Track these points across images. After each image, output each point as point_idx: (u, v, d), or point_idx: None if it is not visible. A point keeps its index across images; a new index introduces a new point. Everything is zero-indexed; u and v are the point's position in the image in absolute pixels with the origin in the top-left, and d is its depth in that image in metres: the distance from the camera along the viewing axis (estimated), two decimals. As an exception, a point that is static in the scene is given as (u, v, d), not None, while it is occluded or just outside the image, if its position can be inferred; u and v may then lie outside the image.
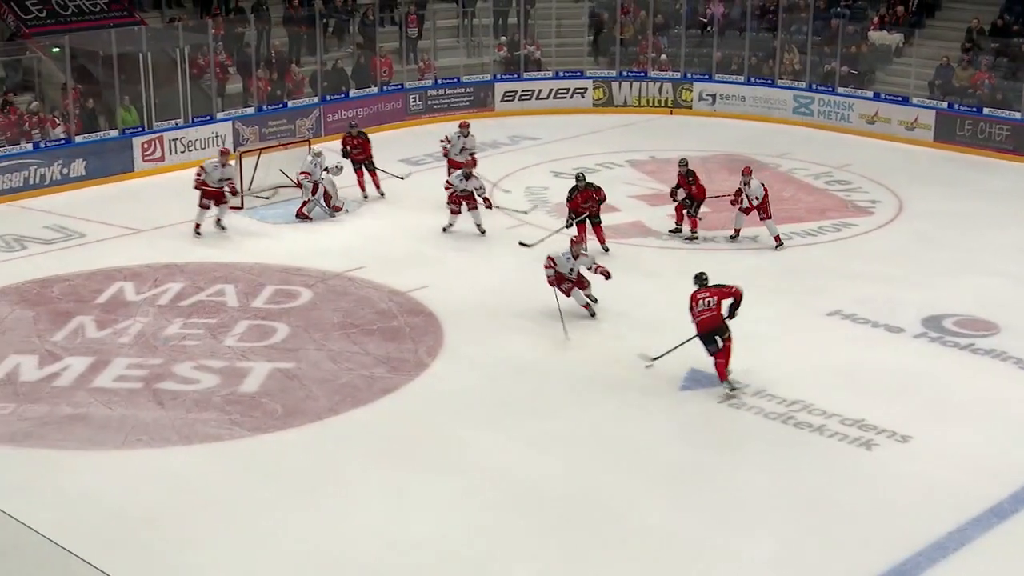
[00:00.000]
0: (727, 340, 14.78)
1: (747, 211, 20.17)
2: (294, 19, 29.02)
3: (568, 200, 19.87)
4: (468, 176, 20.55)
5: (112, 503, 12.33)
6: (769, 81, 29.68)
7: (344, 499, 12.50)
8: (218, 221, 20.61)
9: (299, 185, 21.51)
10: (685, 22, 30.83)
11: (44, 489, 12.54)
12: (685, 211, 20.72)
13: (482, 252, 19.84)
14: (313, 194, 21.33)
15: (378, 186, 22.77)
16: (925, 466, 13.25)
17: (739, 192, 20.16)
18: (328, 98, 27.73)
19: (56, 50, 24.73)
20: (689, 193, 20.64)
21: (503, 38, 31.17)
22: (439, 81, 29.69)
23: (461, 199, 20.53)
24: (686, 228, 20.71)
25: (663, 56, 30.71)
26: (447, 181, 20.76)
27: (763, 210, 20.06)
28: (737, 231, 20.44)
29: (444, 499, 12.52)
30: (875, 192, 23.53)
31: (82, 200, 22.63)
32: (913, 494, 12.69)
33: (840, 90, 28.71)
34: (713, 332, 14.71)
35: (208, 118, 25.72)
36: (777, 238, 20.08)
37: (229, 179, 20.39)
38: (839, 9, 30.14)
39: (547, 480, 12.83)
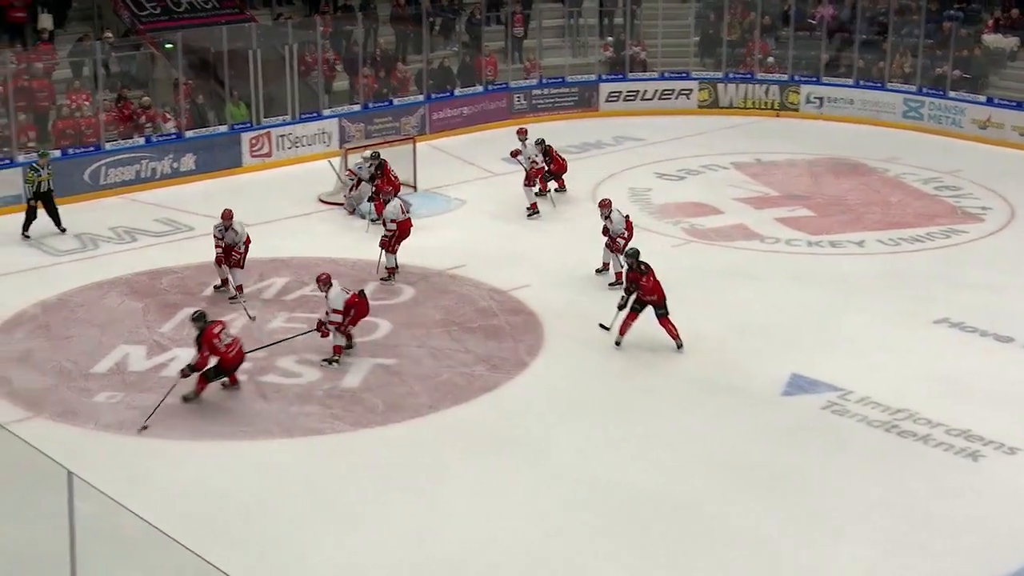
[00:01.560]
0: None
1: (612, 247, 18.37)
2: (401, 17, 29.26)
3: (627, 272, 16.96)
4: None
5: (215, 493, 12.53)
6: (879, 84, 29.25)
7: (442, 496, 12.57)
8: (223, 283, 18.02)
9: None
10: (793, 23, 30.49)
11: (149, 477, 12.78)
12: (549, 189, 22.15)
13: (584, 253, 19.79)
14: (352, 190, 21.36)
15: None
16: (1034, 479, 13.00)
17: (605, 229, 18.46)
18: (433, 96, 27.89)
19: (169, 46, 25.18)
20: (549, 169, 22.08)
21: (609, 38, 31.12)
22: (544, 80, 29.71)
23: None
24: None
25: (770, 58, 30.43)
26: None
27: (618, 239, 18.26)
28: (605, 265, 18.69)
29: (540, 499, 12.54)
30: (986, 198, 23.09)
31: (191, 194, 23.02)
32: (1019, 509, 12.43)
33: (952, 94, 28.20)
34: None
35: (315, 115, 26.02)
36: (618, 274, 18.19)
37: (235, 244, 17.71)
38: (952, 12, 29.61)
39: (644, 483, 12.77)
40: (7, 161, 21.73)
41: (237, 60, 25.07)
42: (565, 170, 22.72)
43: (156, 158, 23.63)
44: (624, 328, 15.94)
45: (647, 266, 15.93)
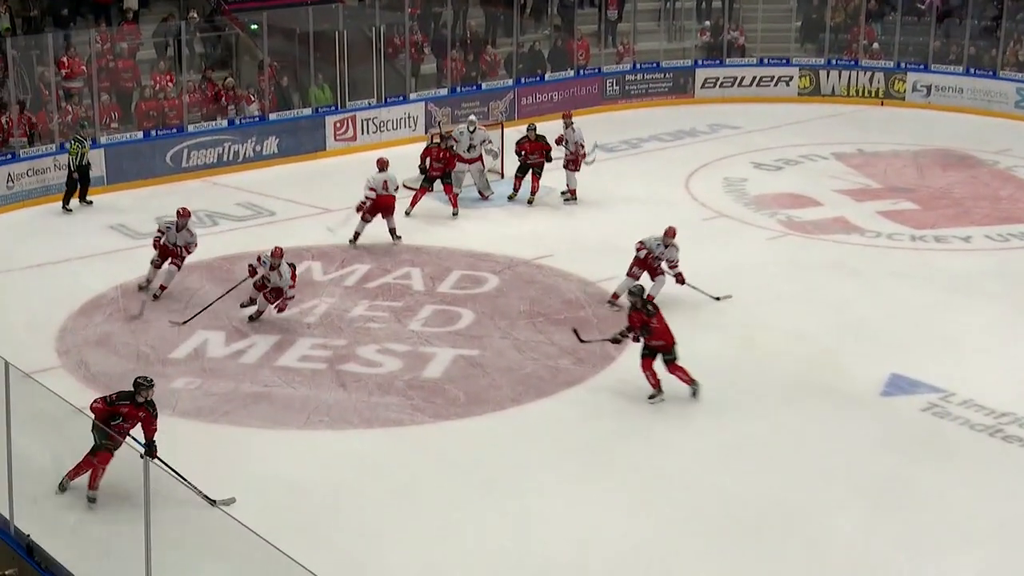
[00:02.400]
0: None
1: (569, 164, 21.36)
2: (491, 0, 29.29)
3: (516, 144, 21.52)
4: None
5: (293, 483, 12.63)
6: (991, 72, 28.72)
7: (526, 495, 12.56)
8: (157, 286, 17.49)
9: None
10: (901, 8, 30.02)
11: (226, 465, 12.92)
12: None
13: (680, 245, 19.66)
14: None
15: (455, 204, 21.10)
16: None
17: (560, 138, 21.30)
18: (523, 81, 27.91)
19: (254, 27, 25.41)
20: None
21: (706, 22, 30.89)
22: (637, 66, 29.58)
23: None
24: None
25: (875, 44, 30.02)
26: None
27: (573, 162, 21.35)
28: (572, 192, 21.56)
29: (624, 498, 12.50)
30: (1102, 193, 22.65)
31: (273, 178, 23.27)
32: None
33: (1069, 83, 27.70)
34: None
35: (401, 98, 26.16)
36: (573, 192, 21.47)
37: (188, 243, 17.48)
38: (1071, -5, 29.05)
39: (734, 484, 12.66)
40: (92, 142, 22.09)
41: (323, 42, 25.28)
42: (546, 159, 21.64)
43: (239, 141, 23.91)
44: (653, 382, 14.46)
45: (655, 307, 14.63)
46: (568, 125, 21.69)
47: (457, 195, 21.13)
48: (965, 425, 13.98)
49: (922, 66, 29.45)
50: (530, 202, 21.50)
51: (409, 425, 13.97)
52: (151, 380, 12.12)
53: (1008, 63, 28.68)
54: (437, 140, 21.48)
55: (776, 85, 30.01)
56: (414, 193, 20.99)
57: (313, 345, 15.86)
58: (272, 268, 16.07)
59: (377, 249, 19.23)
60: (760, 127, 27.10)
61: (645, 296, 14.99)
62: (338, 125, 25.16)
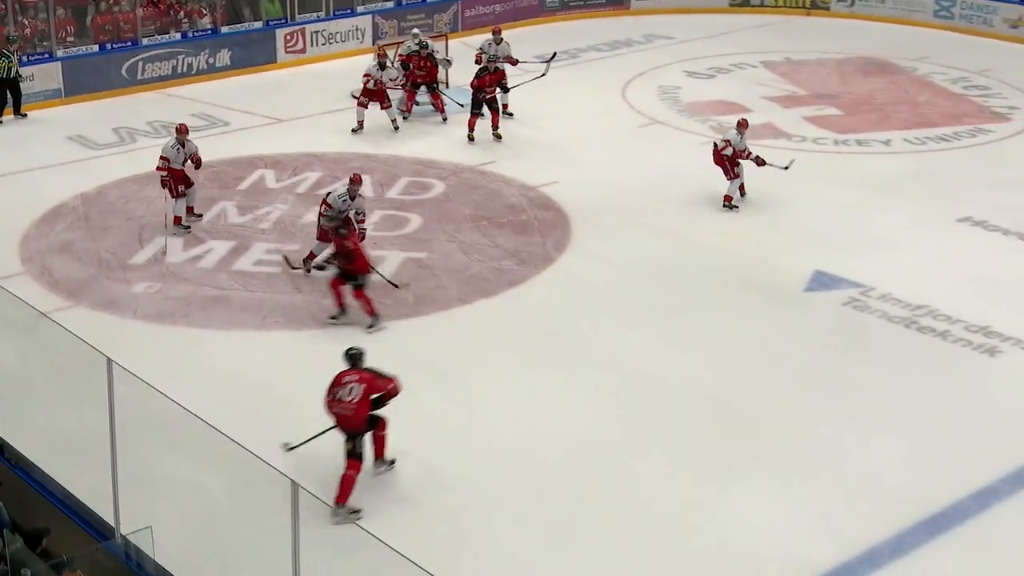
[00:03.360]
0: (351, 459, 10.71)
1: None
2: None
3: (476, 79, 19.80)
4: (383, 66, 20.20)
5: (253, 381, 12.68)
6: (911, -18, 28.76)
7: (474, 386, 12.70)
8: (188, 212, 16.64)
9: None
10: (827, -78, 29.92)
11: (188, 366, 12.89)
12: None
13: (616, 151, 19.69)
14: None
15: (442, 110, 21.04)
16: (1050, 375, 13.01)
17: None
18: (466, -7, 27.63)
19: (205, -58, 24.94)
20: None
21: (641, -65, 30.60)
22: (576, -22, 29.35)
23: (373, 92, 20.16)
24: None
25: (803, -45, 29.93)
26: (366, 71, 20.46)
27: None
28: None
29: (570, 389, 12.63)
30: (1014, 98, 22.78)
31: (226, 89, 22.98)
32: (1036, 403, 12.49)
33: (984, -8, 27.76)
34: (352, 433, 10.75)
35: (349, 11, 25.81)
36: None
37: (193, 153, 16.58)
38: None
39: (673, 377, 12.81)
40: (47, 55, 21.66)
41: (272, -44, 24.88)
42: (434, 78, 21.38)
43: (192, 53, 23.56)
44: (338, 303, 13.91)
45: (348, 230, 13.88)
46: (498, 43, 21.36)
47: (444, 103, 21.03)
48: (883, 318, 14.19)
49: (846, -23, 29.44)
50: (498, 138, 19.94)
51: (361, 324, 13.94)
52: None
53: (927, -26, 28.70)
54: (416, 47, 21.12)
55: (708, -4, 29.89)
56: (405, 96, 21.01)
57: (268, 250, 15.79)
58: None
59: (327, 157, 19.10)
60: (693, 37, 26.98)
61: None
62: (288, 37, 24.82)
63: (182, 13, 23.84)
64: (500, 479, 11.14)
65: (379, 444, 11.12)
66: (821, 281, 15.06)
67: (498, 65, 20.05)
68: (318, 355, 13.28)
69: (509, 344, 13.62)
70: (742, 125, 17.29)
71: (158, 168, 16.31)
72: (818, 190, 18.06)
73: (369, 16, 25.93)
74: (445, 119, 20.96)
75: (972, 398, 12.58)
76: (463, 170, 18.67)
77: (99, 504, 9.69)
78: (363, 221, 15.16)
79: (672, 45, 26.59)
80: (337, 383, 10.84)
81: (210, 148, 19.12)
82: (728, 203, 17.22)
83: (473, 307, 14.51)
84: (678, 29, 27.65)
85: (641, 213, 17.15)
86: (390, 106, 20.43)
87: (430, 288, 14.85)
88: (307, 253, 15.04)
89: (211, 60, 23.80)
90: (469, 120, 19.67)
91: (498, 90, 20.05)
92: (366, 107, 20.31)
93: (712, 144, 17.60)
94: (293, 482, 7.84)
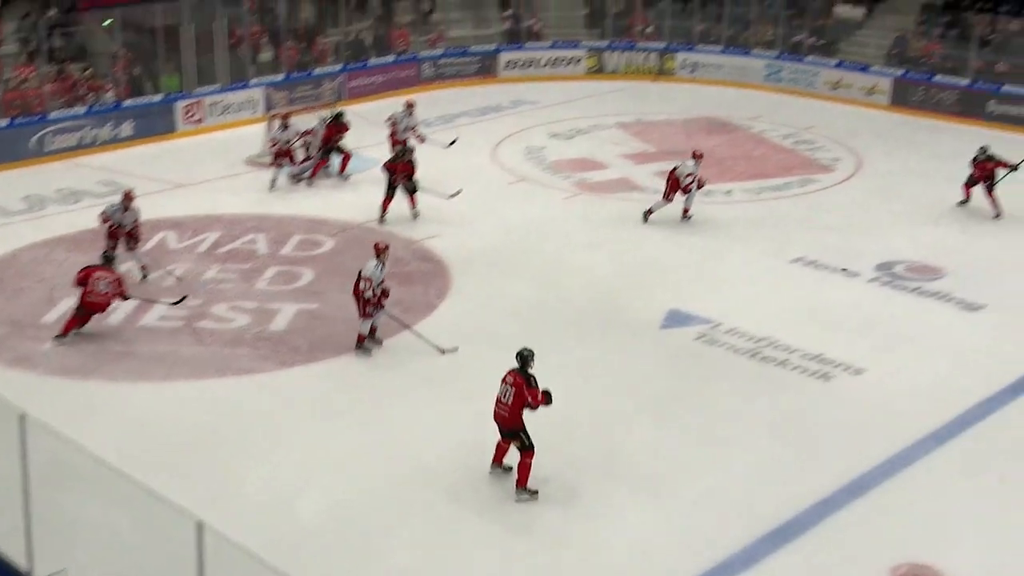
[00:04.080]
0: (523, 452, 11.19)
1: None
2: (320, -6, 28.79)
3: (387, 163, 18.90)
4: (286, 127, 20.36)
5: (158, 429, 12.38)
6: (744, 51, 29.42)
7: (363, 424, 12.58)
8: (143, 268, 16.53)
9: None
10: (669, -3, 30.60)
11: (97, 417, 12.57)
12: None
13: (489, 206, 19.75)
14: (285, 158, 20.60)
15: (343, 170, 21.03)
16: (877, 395, 13.32)
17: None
18: (350, 66, 27.51)
19: (108, 23, 24.56)
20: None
21: (507, 12, 30.88)
22: (449, 51, 29.43)
23: (283, 153, 20.26)
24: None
25: (649, 28, 30.46)
26: (271, 136, 20.56)
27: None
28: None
29: (456, 418, 12.62)
30: (837, 151, 23.43)
31: (130, 158, 22.50)
32: (865, 420, 12.77)
33: (807, 59, 28.51)
34: (509, 432, 11.33)
35: (243, 84, 25.55)
36: None
37: (135, 221, 16.43)
38: (807, -15, 29.88)
39: (548, 409, 12.80)
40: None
41: (171, 34, 24.56)
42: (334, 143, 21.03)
43: (97, 125, 23.06)
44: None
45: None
46: (410, 114, 21.28)
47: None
48: (730, 350, 14.40)
49: (688, 46, 29.98)
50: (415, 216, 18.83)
51: (259, 372, 13.77)
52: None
53: (758, 42, 29.40)
54: (330, 117, 21.21)
55: (568, 65, 30.18)
56: (315, 164, 20.87)
57: (171, 306, 15.47)
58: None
59: (225, 218, 18.83)
60: (555, 102, 27.25)
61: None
62: (187, 109, 24.47)
63: (87, 88, 23.37)
64: (395, 504, 11.07)
65: (523, 472, 11.17)
66: (675, 319, 15.24)
67: (411, 159, 18.96)
68: (221, 402, 13.12)
69: (397, 384, 13.52)
70: (696, 156, 18.61)
71: (102, 222, 16.27)
72: (670, 236, 18.33)
73: (262, 88, 25.71)
74: (346, 177, 20.95)
75: (809, 418, 12.83)
76: (351, 227, 18.55)
77: (14, 549, 9.36)
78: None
79: (536, 109, 26.82)
80: (502, 381, 11.24)
81: (116, 213, 18.79)
82: (686, 215, 18.71)
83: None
84: (541, 95, 27.91)
85: (513, 261, 17.22)
86: (290, 165, 20.43)
87: (322, 336, 14.68)
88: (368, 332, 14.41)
89: (115, 131, 23.33)
90: (383, 202, 18.67)
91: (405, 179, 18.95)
92: (280, 166, 20.26)
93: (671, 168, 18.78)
94: (198, 523, 7.67)
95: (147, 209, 17.65)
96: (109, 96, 23.67)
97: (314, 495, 11.22)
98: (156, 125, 23.92)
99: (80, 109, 23.04)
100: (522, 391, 11.09)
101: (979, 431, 12.61)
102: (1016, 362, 14.13)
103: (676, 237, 18.30)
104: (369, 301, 14.06)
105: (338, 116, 21.23)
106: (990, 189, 19.28)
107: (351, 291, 14.28)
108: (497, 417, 11.28)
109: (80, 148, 22.77)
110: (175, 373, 13.71)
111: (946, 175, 20.71)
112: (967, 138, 23.31)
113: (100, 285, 14.47)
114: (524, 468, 11.15)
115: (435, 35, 29.68)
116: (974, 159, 19.45)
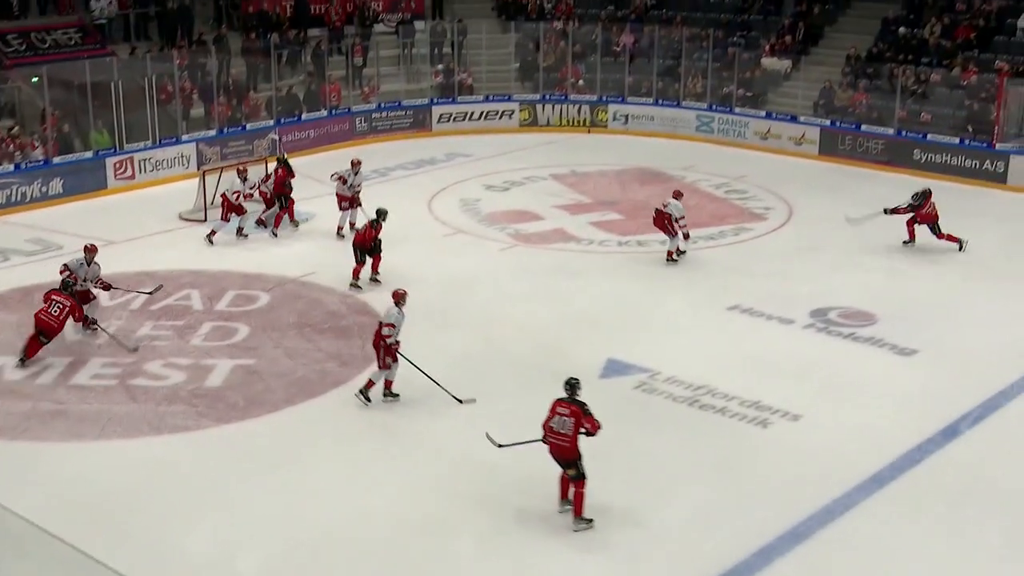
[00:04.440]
0: (576, 481, 11.56)
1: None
2: (251, 50, 28.71)
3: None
4: (244, 179, 20.60)
5: (92, 489, 12.16)
6: (675, 102, 29.83)
7: (302, 477, 12.47)
8: (90, 321, 16.22)
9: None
10: (600, 50, 30.92)
11: (28, 478, 12.34)
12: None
13: (425, 258, 19.75)
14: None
15: (292, 218, 21.40)
16: (814, 440, 13.42)
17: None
18: (283, 121, 27.47)
19: (35, 80, 24.32)
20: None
21: (439, 66, 31.03)
22: (382, 105, 29.52)
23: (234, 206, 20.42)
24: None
25: (581, 81, 30.78)
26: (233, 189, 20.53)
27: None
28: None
29: (393, 474, 12.52)
30: (768, 200, 23.75)
31: (60, 215, 22.24)
32: (804, 465, 12.85)
33: (737, 110, 28.95)
34: (566, 463, 11.64)
35: (174, 140, 25.41)
36: None
37: (97, 278, 16.53)
38: (735, 38, 30.37)
39: (486, 455, 12.69)
40: None
41: (100, 91, 24.33)
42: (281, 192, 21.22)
43: (25, 183, 22.79)
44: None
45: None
46: (356, 172, 20.97)
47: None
48: (669, 398, 14.47)
49: (620, 98, 30.34)
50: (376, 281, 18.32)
51: (195, 430, 13.60)
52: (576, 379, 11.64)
53: (688, 95, 29.83)
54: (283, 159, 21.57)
55: (500, 118, 30.38)
56: (276, 215, 21.02)
57: (104, 364, 15.26)
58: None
59: (158, 275, 18.60)
60: (489, 154, 27.39)
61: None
62: (117, 165, 24.25)
63: (14, 146, 23.09)
64: (336, 558, 10.95)
65: (578, 501, 11.43)
66: (614, 368, 15.29)
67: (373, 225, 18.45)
68: (157, 461, 12.91)
69: (333, 439, 13.43)
70: (677, 195, 19.42)
71: (60, 272, 16.09)
72: (606, 286, 18.43)
73: (193, 144, 25.57)
74: (297, 225, 21.26)
75: (748, 464, 12.90)
76: (286, 282, 18.44)
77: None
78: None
79: (471, 162, 26.94)
80: (552, 412, 11.38)
81: (44, 272, 18.51)
82: (670, 257, 19.29)
83: (299, 407, 14.26)
84: (476, 147, 28.05)
85: (450, 312, 17.19)
86: (244, 212, 20.52)
87: (259, 392, 14.54)
88: (382, 383, 14.32)
89: (44, 188, 23.06)
90: (354, 269, 18.23)
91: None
92: (243, 214, 20.47)
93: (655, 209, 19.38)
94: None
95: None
96: (37, 154, 23.40)
97: (255, 552, 11.06)
98: (86, 182, 23.68)
99: (8, 167, 22.75)
100: (579, 420, 11.31)
101: (917, 474, 12.75)
102: (950, 404, 14.34)
103: (613, 286, 18.40)
104: (390, 349, 13.95)
105: (286, 160, 21.50)
106: (937, 233, 19.97)
107: (372, 343, 14.24)
108: (555, 448, 11.42)
109: (9, 206, 22.47)
110: (109, 431, 13.49)
111: (875, 221, 21.05)
112: (894, 185, 23.81)
113: (54, 308, 14.98)
114: (579, 498, 11.44)
115: (368, 90, 29.78)
116: (914, 206, 20.04)
